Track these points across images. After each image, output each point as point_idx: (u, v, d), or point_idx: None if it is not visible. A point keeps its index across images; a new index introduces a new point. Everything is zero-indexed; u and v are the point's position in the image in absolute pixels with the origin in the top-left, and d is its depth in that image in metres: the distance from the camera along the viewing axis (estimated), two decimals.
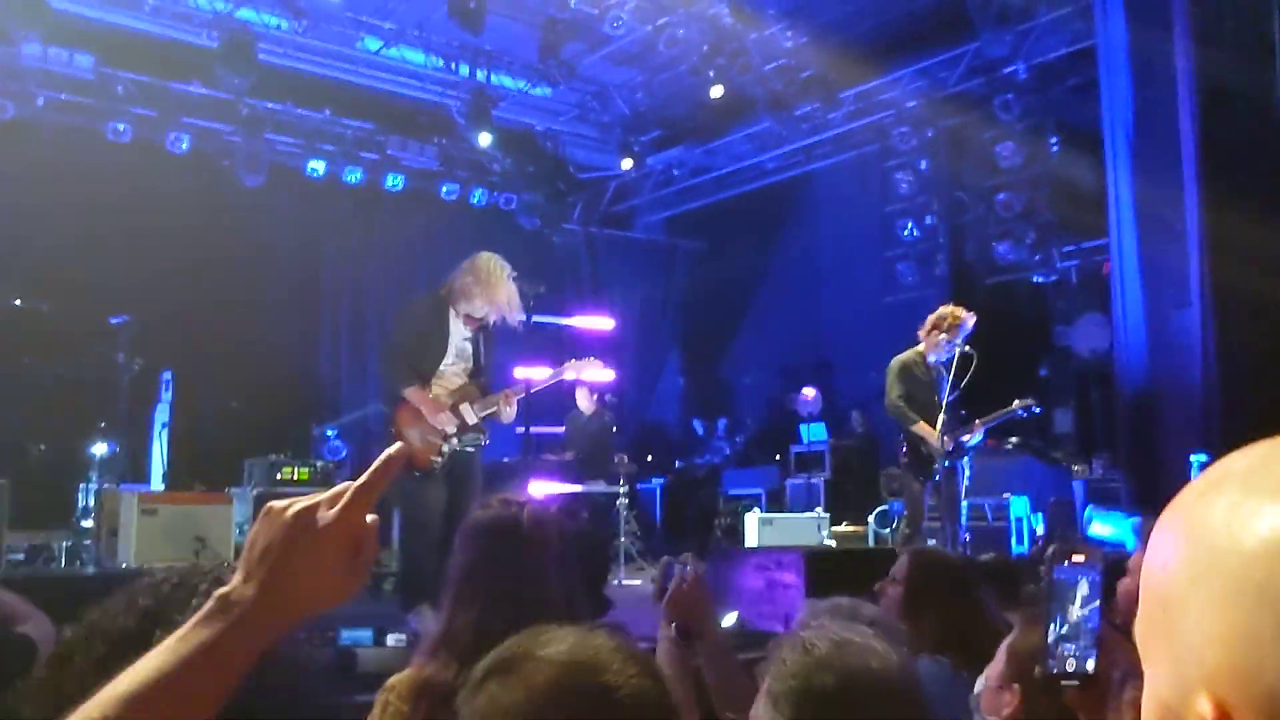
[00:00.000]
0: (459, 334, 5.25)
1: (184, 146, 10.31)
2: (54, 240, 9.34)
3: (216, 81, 9.78)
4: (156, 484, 8.59)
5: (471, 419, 5.15)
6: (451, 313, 5.23)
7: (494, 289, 5.18)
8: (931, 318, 6.80)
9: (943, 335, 6.64)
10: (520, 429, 7.83)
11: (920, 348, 6.77)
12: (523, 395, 5.28)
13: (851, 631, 1.58)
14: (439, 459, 5.11)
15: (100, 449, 7.74)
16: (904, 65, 10.68)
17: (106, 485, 7.50)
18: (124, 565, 6.65)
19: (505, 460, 9.21)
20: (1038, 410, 6.91)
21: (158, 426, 8.90)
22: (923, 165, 10.96)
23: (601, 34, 10.02)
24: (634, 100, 12.32)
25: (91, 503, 7.46)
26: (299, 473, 8.38)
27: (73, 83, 9.74)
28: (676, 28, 9.78)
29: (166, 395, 8.95)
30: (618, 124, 12.54)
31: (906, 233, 11.10)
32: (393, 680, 2.07)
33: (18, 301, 7.58)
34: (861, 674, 1.49)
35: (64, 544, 7.47)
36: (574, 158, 13.14)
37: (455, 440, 5.14)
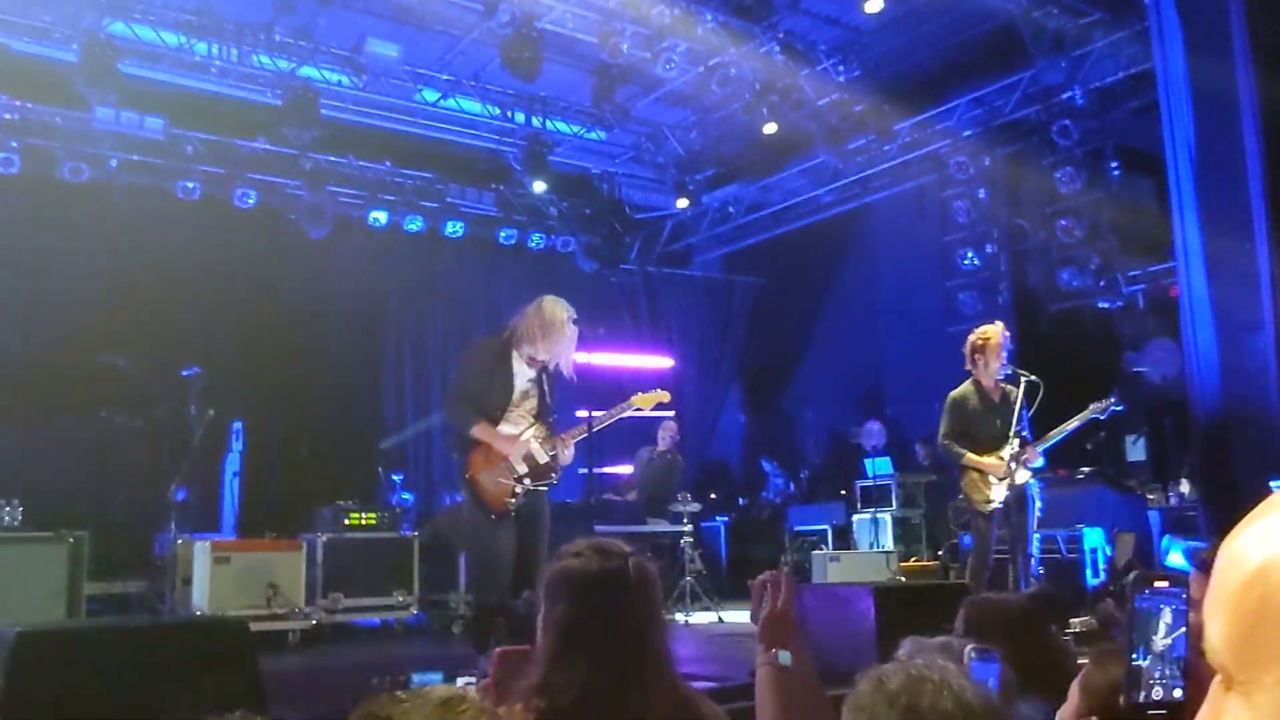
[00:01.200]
0: (523, 375, 5.26)
1: (251, 201, 10.60)
2: (128, 296, 9.63)
3: (281, 138, 10.06)
4: (228, 532, 8.75)
5: (543, 459, 5.14)
6: (515, 354, 5.25)
7: (556, 332, 5.20)
8: (966, 347, 6.72)
9: (983, 357, 6.56)
10: (583, 470, 7.89)
11: (974, 377, 6.68)
12: (584, 435, 5.28)
13: (937, 670, 1.54)
14: (513, 500, 5.10)
15: (174, 499, 7.91)
16: (959, 95, 10.65)
17: (181, 535, 7.65)
18: (198, 613, 6.77)
19: (568, 501, 9.24)
20: (1119, 408, 6.70)
21: (229, 475, 9.08)
22: (981, 194, 10.86)
23: (654, 76, 10.12)
24: (688, 140, 12.41)
25: (167, 552, 7.62)
26: (366, 518, 8.47)
27: (144, 144, 10.09)
28: (729, 67, 9.86)
29: (237, 445, 9.13)
30: (673, 164, 12.65)
31: (967, 262, 10.99)
32: None
33: (99, 358, 7.81)
34: (930, 712, 1.46)
35: (139, 593, 7.64)
36: (630, 198, 13.26)
37: (528, 481, 5.13)
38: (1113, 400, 6.56)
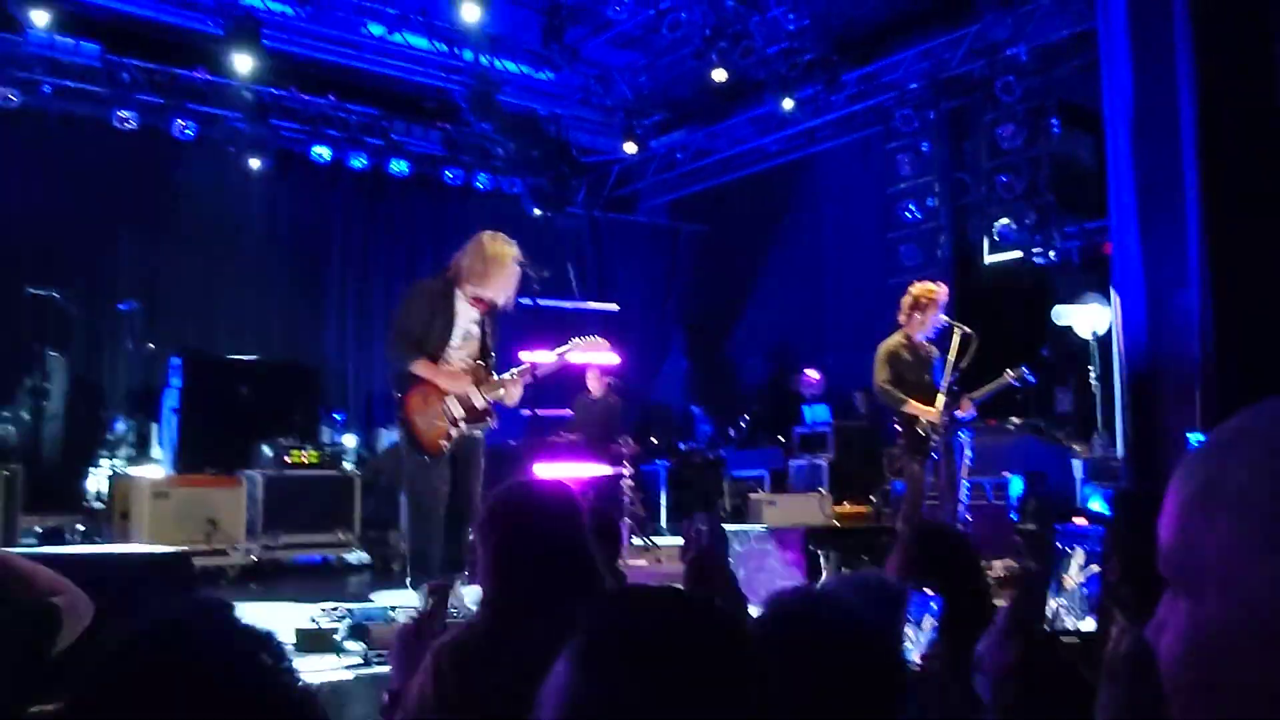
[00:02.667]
0: (466, 316, 5.25)
1: (190, 133, 10.37)
2: (62, 229, 9.43)
3: (222, 69, 9.84)
4: (168, 468, 8.70)
5: (480, 402, 5.18)
6: (458, 294, 5.24)
7: (501, 269, 5.19)
8: (905, 299, 6.85)
9: (921, 314, 6.72)
10: (526, 411, 7.95)
11: (904, 330, 6.84)
12: (529, 378, 5.32)
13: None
14: (447, 443, 5.15)
15: (112, 434, 7.85)
16: (906, 48, 10.72)
17: (119, 469, 7.61)
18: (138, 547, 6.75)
19: (511, 442, 9.30)
20: (1032, 380, 6.90)
21: (167, 411, 9.00)
22: (925, 147, 10.98)
23: (604, 18, 10.06)
24: (637, 84, 12.36)
25: (104, 487, 7.57)
26: (308, 456, 8.47)
27: (79, 70, 9.80)
28: (679, 11, 9.83)
29: (176, 380, 9.03)
30: (621, 108, 12.59)
31: (909, 214, 11.14)
32: (440, 644, 2.17)
33: (30, 290, 7.67)
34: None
35: (77, 527, 7.59)
36: (577, 141, 13.19)
37: (464, 424, 5.16)
38: (1025, 370, 6.71)
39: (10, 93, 9.48)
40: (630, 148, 12.40)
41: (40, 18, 8.58)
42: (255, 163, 10.65)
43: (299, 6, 9.85)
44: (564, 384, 10.41)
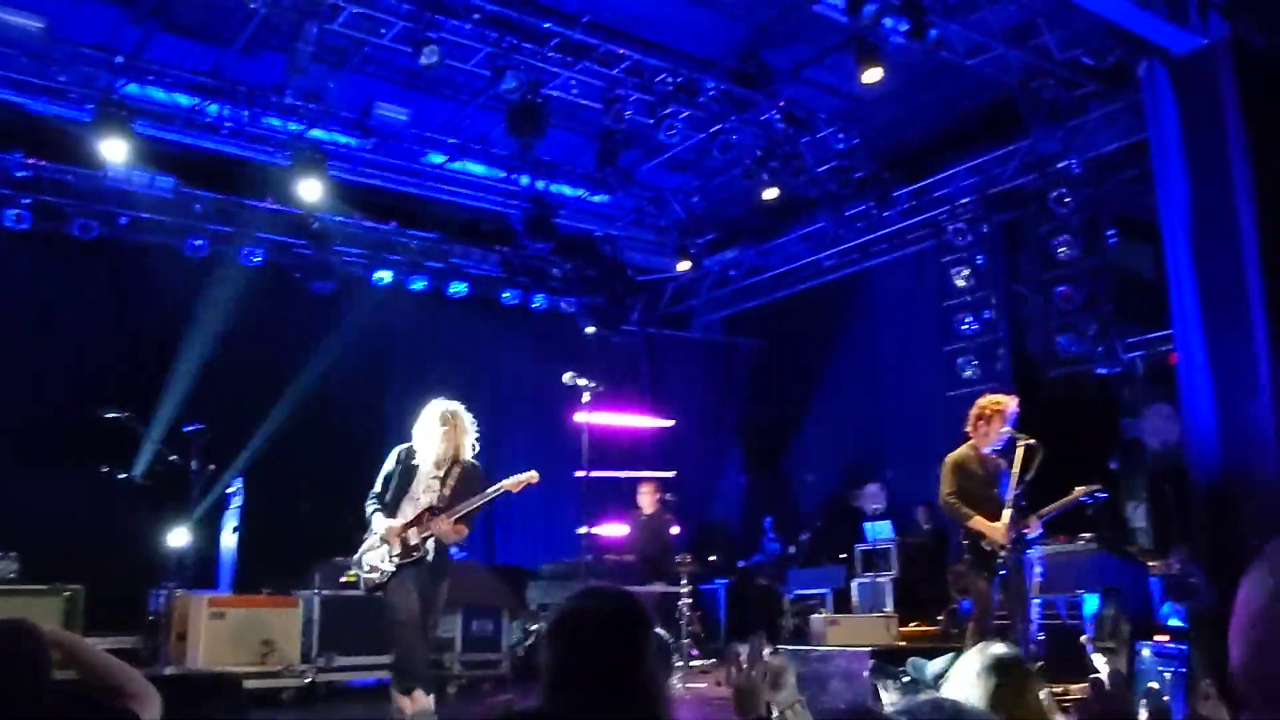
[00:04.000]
0: (427, 473, 5.94)
1: (258, 260, 10.72)
2: (133, 352, 9.70)
3: (289, 198, 10.20)
4: (225, 588, 8.71)
5: (414, 541, 5.80)
6: (417, 455, 5.98)
7: (428, 431, 5.93)
8: (973, 411, 6.72)
9: (988, 425, 6.57)
10: (581, 530, 7.89)
11: (972, 443, 6.68)
12: (460, 514, 5.77)
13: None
14: (376, 576, 5.86)
15: (172, 554, 7.90)
16: (957, 163, 10.82)
17: (177, 589, 7.63)
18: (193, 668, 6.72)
19: (566, 561, 9.21)
20: (1103, 495, 6.70)
21: (227, 531, 9.06)
22: (979, 260, 10.97)
23: (656, 142, 10.30)
24: (690, 204, 12.58)
25: (163, 607, 7.59)
26: None
27: (153, 202, 10.24)
28: (730, 134, 10.03)
29: (236, 501, 9.13)
30: (674, 227, 12.80)
31: (965, 327, 11.06)
32: None
33: (102, 412, 7.84)
34: None
35: (136, 647, 7.58)
36: (632, 261, 13.40)
37: (397, 559, 5.80)
38: (1098, 488, 6.58)
39: (89, 224, 9.91)
40: (684, 266, 12.55)
41: (117, 152, 8.98)
42: (319, 286, 10.94)
43: (363, 138, 10.25)
44: (621, 502, 10.37)
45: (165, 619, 7.42)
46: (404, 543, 5.81)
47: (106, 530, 8.53)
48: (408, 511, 5.90)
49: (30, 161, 9.75)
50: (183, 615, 7.39)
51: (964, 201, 10.88)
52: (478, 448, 6.06)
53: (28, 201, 9.70)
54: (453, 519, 5.79)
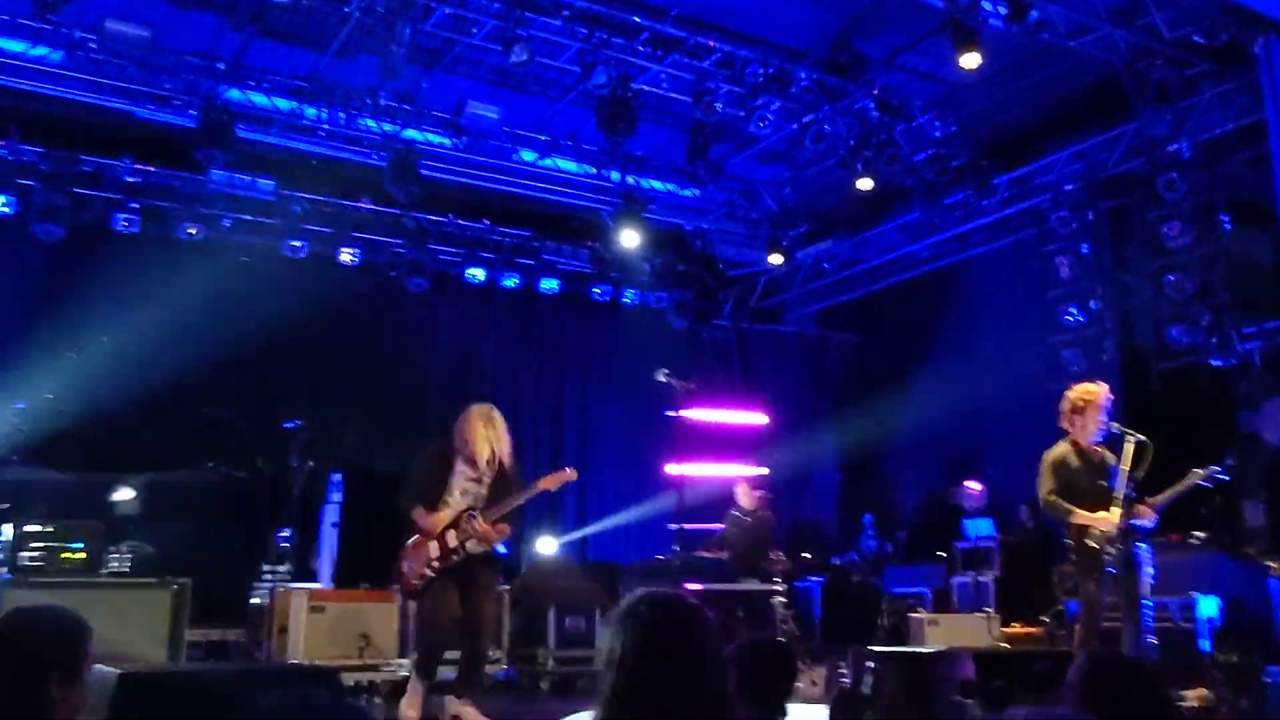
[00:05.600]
0: (463, 475, 5.95)
1: (354, 259, 10.93)
2: (236, 351, 9.96)
3: (385, 198, 10.37)
4: (325, 582, 8.89)
5: (452, 543, 5.83)
6: (457, 457, 5.97)
7: (468, 431, 5.92)
8: (1064, 404, 6.38)
9: (1083, 417, 6.27)
10: (673, 526, 7.83)
11: (1071, 437, 6.38)
12: (502, 516, 5.81)
13: None
14: (419, 582, 5.92)
15: (273, 549, 8.08)
16: (1059, 149, 10.48)
17: (279, 583, 7.80)
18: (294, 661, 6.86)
19: (658, 558, 9.16)
20: (1225, 477, 6.26)
21: (327, 525, 9.24)
22: (1084, 248, 10.58)
23: (748, 134, 10.19)
24: (781, 196, 12.43)
25: (265, 600, 7.76)
26: None
27: (255, 204, 10.52)
28: (822, 124, 9.88)
29: (336, 496, 9.30)
30: (766, 220, 12.65)
31: (1070, 318, 10.68)
32: None
33: (206, 410, 8.07)
34: None
35: (240, 640, 7.78)
36: (723, 255, 13.30)
37: (437, 563, 5.84)
38: (1217, 468, 6.13)
39: (193, 227, 10.22)
40: (776, 259, 12.40)
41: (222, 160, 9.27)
42: (414, 284, 11.11)
43: (455, 138, 10.37)
44: (713, 499, 10.27)
45: (267, 612, 7.59)
46: (443, 546, 5.84)
47: (212, 525, 8.76)
48: (444, 514, 5.91)
49: (138, 167, 10.10)
50: (284, 609, 7.55)
51: (1067, 189, 10.52)
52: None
53: (136, 206, 10.04)
54: (492, 520, 5.81)
